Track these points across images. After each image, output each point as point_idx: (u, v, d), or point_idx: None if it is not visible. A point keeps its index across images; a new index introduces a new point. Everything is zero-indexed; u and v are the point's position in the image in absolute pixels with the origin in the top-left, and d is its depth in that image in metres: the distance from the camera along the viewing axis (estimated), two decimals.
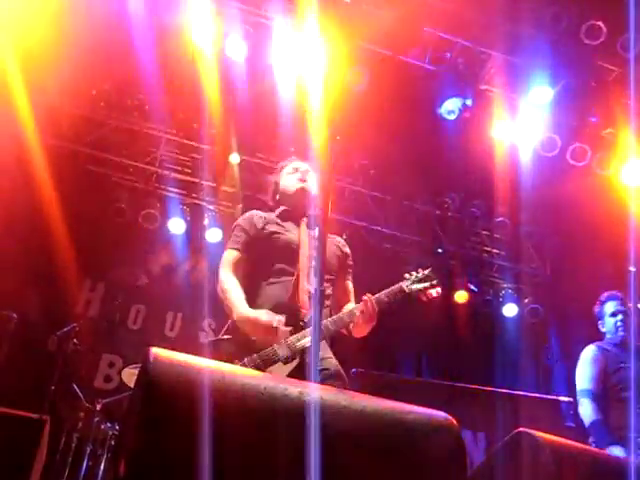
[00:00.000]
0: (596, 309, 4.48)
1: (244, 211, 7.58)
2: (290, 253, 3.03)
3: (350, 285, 3.26)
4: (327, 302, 3.01)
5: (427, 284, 3.11)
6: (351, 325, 2.95)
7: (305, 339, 2.76)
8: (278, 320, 2.77)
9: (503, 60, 6.49)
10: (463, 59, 6.45)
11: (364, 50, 6.35)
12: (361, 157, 7.91)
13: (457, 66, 6.47)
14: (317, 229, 2.56)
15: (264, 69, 6.42)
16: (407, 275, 3.12)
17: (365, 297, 2.93)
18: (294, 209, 3.26)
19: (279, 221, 3.21)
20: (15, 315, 6.06)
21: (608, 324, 4.33)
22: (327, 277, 3.05)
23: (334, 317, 2.91)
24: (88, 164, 7.47)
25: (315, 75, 6.40)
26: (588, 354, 4.22)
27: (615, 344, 4.24)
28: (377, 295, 2.99)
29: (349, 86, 6.42)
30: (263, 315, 2.81)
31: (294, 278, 2.93)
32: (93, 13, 5.73)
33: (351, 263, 3.33)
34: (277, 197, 3.44)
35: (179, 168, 7.76)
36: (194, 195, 7.81)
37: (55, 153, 7.26)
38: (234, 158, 7.57)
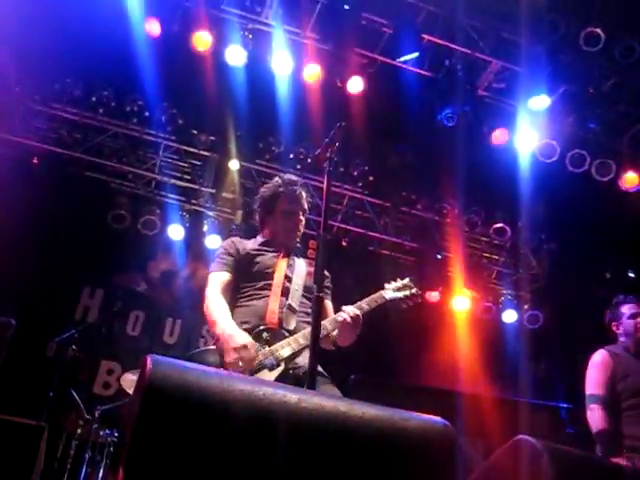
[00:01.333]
0: (610, 311, 4.33)
1: (244, 218, 7.64)
2: (266, 276, 3.17)
3: (329, 303, 3.35)
4: (308, 318, 3.06)
5: (407, 292, 3.33)
6: (334, 333, 3.07)
7: (288, 347, 2.90)
8: (251, 343, 2.83)
9: (502, 67, 6.51)
10: (462, 66, 6.47)
11: (363, 57, 6.37)
12: (360, 163, 7.93)
13: (456, 73, 6.49)
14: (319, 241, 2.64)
15: (264, 75, 6.44)
16: (386, 285, 3.33)
17: (344, 307, 3.06)
18: (276, 241, 3.36)
19: (260, 248, 3.32)
20: (14, 321, 6.05)
21: (627, 326, 4.18)
22: (308, 296, 3.18)
23: None
24: (87, 170, 7.48)
25: (314, 82, 6.42)
26: (598, 358, 4.11)
27: (626, 348, 4.13)
28: (358, 303, 3.13)
29: (348, 93, 6.44)
30: (239, 337, 2.85)
31: (269, 296, 3.08)
32: (93, 20, 5.74)
33: (329, 285, 3.41)
34: (266, 219, 3.47)
35: (178, 174, 7.77)
36: (193, 201, 7.81)
37: (55, 159, 7.28)
38: (234, 164, 7.57)
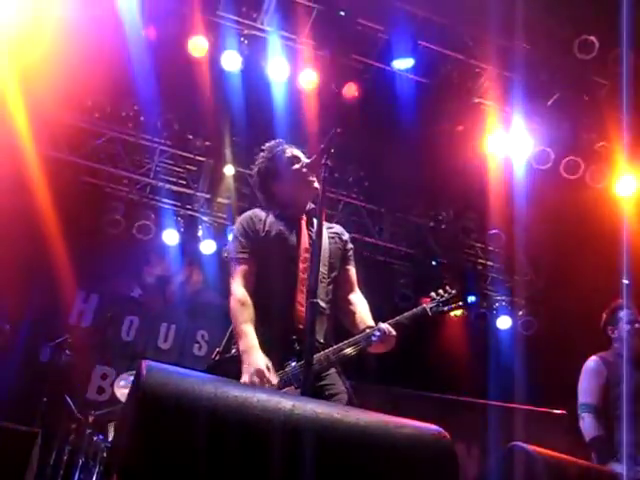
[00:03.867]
0: (607, 315, 4.26)
1: None
2: (290, 260, 2.94)
3: (352, 272, 3.16)
4: (327, 311, 2.93)
5: (452, 306, 3.14)
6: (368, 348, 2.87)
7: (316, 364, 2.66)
8: (265, 367, 2.64)
9: (497, 74, 6.53)
10: (457, 73, 6.49)
11: (358, 63, 6.38)
12: (356, 169, 7.93)
13: (451, 79, 6.51)
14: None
15: (259, 81, 6.44)
16: (433, 294, 3.13)
17: (381, 325, 2.85)
18: (294, 205, 3.11)
19: (279, 222, 3.06)
20: (8, 326, 6.03)
21: (623, 331, 4.11)
22: (333, 275, 3.03)
23: (350, 340, 2.84)
24: (83, 175, 7.47)
25: (310, 87, 6.43)
26: (590, 366, 4.08)
27: (620, 354, 4.07)
28: (398, 318, 2.94)
29: (343, 98, 6.45)
30: (260, 363, 2.65)
31: (293, 293, 2.86)
32: (89, 25, 5.74)
33: (350, 247, 3.21)
34: (273, 187, 3.21)
35: (174, 179, 7.77)
36: (188, 206, 7.81)
37: (50, 164, 7.26)
38: (229, 170, 7.58)
